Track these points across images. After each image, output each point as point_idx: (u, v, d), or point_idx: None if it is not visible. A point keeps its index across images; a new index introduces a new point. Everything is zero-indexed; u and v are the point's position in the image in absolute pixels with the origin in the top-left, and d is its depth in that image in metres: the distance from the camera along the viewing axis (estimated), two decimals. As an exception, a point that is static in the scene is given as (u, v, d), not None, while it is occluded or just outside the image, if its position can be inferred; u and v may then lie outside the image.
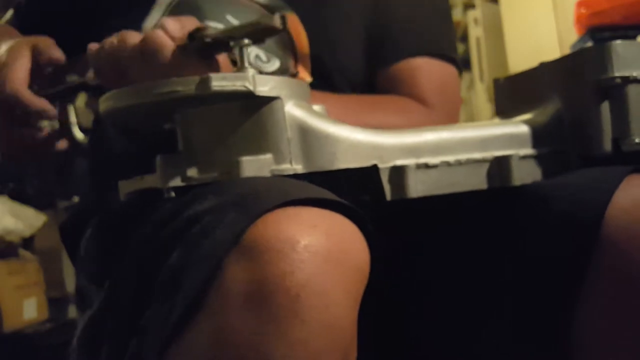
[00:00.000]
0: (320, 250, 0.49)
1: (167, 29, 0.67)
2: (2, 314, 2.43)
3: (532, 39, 2.12)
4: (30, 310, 2.54)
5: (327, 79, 0.91)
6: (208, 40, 0.64)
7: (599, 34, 1.59)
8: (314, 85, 0.89)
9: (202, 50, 0.66)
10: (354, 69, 0.94)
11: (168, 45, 0.66)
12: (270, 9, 0.90)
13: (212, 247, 0.50)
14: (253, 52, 0.87)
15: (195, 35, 0.64)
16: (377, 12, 0.95)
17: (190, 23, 0.68)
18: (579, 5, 1.66)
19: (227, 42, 0.63)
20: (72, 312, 2.64)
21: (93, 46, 0.71)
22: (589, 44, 1.61)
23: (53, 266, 2.63)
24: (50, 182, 2.68)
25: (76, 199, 2.51)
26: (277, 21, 0.60)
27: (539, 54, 2.01)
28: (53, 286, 2.63)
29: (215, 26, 0.86)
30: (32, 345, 2.49)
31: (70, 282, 2.63)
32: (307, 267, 0.48)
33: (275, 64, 0.88)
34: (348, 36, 0.94)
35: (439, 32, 0.99)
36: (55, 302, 2.64)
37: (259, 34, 0.62)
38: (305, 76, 0.90)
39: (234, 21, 0.88)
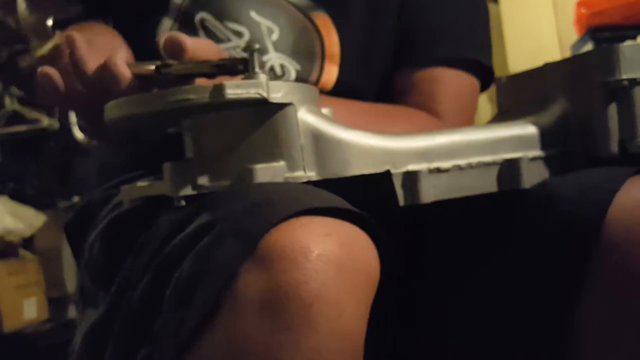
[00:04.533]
0: (333, 260, 0.50)
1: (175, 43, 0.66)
2: (2, 314, 2.43)
3: (532, 39, 2.12)
4: (30, 310, 2.54)
5: (353, 77, 0.91)
6: (171, 77, 0.63)
7: (599, 34, 1.59)
8: (341, 85, 0.89)
9: (166, 82, 0.65)
10: (382, 66, 0.93)
11: (125, 78, 0.65)
12: (301, 9, 0.89)
13: (226, 256, 0.50)
14: (269, 63, 0.86)
15: (161, 70, 0.63)
16: (405, 11, 0.94)
17: (199, 46, 0.68)
18: (579, 5, 1.66)
19: (191, 76, 0.63)
20: (72, 312, 2.64)
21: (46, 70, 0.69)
22: (589, 44, 1.61)
23: (53, 266, 2.63)
24: (50, 182, 2.68)
25: (76, 199, 2.51)
26: (240, 65, 0.59)
27: (539, 54, 2.01)
28: (53, 286, 2.63)
29: (233, 27, 0.87)
30: (32, 345, 2.48)
31: (70, 282, 2.63)
32: (321, 276, 0.49)
33: (289, 76, 0.88)
34: (378, 36, 0.93)
35: (469, 36, 0.97)
36: (55, 302, 2.64)
37: (224, 72, 0.61)
38: (330, 78, 0.89)
39: (258, 18, 0.87)
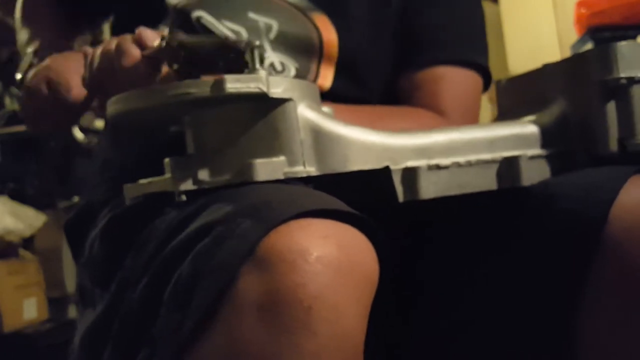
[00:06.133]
0: (332, 262, 0.50)
1: (143, 38, 0.70)
2: (2, 314, 2.43)
3: (532, 39, 2.13)
4: (30, 310, 2.54)
5: (356, 81, 0.90)
6: (174, 44, 0.65)
7: (599, 34, 1.59)
8: (340, 87, 0.89)
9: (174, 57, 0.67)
10: (384, 70, 0.93)
11: (133, 53, 0.69)
12: (300, 9, 0.89)
13: (226, 258, 0.50)
14: (268, 59, 0.86)
15: (167, 40, 0.65)
16: (406, 15, 0.94)
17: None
18: (579, 5, 1.66)
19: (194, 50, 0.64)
20: (72, 312, 2.64)
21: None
22: (589, 44, 1.62)
23: (53, 266, 2.63)
24: (50, 182, 2.68)
25: (76, 199, 2.51)
26: (241, 44, 0.60)
27: (539, 54, 2.02)
28: (53, 286, 2.63)
29: (230, 26, 0.87)
30: (32, 345, 2.48)
31: (70, 282, 2.63)
32: (320, 279, 0.49)
33: (289, 73, 0.88)
34: (380, 44, 0.93)
35: (469, 39, 0.97)
36: (55, 302, 2.64)
37: (225, 52, 0.61)
38: (326, 80, 0.89)
39: (256, 17, 0.87)
